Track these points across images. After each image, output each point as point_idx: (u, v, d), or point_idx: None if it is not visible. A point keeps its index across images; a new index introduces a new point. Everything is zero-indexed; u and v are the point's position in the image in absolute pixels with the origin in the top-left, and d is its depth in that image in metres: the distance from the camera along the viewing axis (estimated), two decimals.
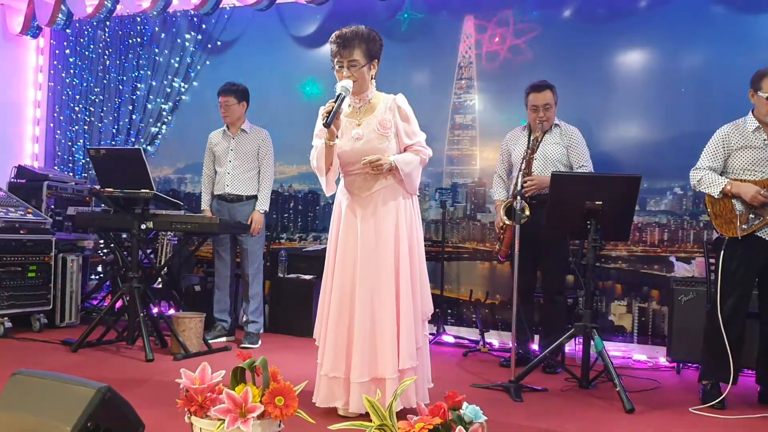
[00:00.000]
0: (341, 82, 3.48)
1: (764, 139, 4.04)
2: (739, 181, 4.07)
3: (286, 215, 6.89)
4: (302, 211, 6.85)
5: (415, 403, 3.39)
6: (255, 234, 5.43)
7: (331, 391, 3.51)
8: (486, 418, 2.15)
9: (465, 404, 2.16)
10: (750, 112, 4.13)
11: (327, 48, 6.55)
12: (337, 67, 3.56)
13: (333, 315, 3.53)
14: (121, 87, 7.55)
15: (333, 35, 3.59)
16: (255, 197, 5.57)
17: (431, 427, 2.03)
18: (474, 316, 5.97)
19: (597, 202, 4.13)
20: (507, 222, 4.85)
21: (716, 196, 4.09)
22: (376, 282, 3.47)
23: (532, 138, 4.92)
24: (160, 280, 6.09)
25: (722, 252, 4.10)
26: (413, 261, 3.56)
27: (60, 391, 2.34)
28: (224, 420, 2.22)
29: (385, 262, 3.48)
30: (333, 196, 3.75)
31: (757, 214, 4.00)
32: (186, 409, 2.34)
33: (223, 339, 5.57)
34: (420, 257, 3.63)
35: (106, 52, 7.63)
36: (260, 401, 2.25)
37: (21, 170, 6.69)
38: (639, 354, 5.57)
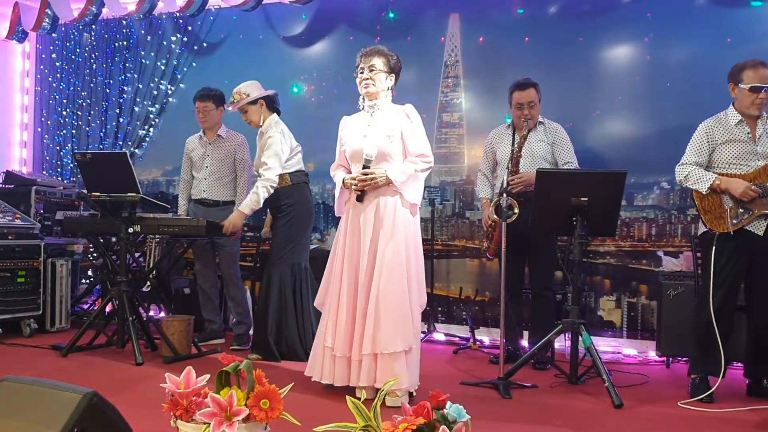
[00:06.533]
0: (366, 149, 3.87)
1: (748, 132, 4.06)
2: (725, 175, 4.08)
3: None
4: None
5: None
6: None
7: (342, 371, 3.85)
8: (469, 417, 2.15)
9: (449, 403, 2.17)
10: (731, 105, 4.15)
11: (314, 48, 6.75)
12: (358, 73, 4.02)
13: (341, 303, 3.90)
14: (108, 90, 7.53)
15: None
16: (232, 203, 5.56)
17: (415, 427, 2.03)
18: (464, 313, 5.99)
19: (583, 199, 4.14)
20: (496, 219, 4.86)
21: (704, 192, 4.10)
22: (372, 274, 3.82)
23: (518, 136, 4.94)
24: (149, 283, 6.08)
25: (713, 248, 4.10)
26: (408, 258, 3.86)
27: (46, 396, 2.33)
28: (209, 424, 2.22)
29: (379, 256, 3.81)
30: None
31: (747, 209, 4.02)
32: (172, 414, 2.35)
33: (214, 341, 5.57)
34: (409, 257, 3.89)
35: (93, 55, 7.62)
36: (245, 404, 2.26)
37: (9, 175, 6.67)
38: (628, 349, 5.60)
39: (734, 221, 4.03)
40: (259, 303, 5.09)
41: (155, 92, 7.30)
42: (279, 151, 4.90)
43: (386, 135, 3.92)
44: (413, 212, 3.96)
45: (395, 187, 3.86)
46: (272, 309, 4.91)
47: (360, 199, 3.91)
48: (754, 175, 4.03)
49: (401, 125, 3.94)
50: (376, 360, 3.74)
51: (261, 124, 5.08)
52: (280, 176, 4.96)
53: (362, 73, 3.98)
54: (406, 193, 3.88)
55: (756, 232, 4.04)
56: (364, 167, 3.89)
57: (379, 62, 3.96)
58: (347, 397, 2.25)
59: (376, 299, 3.76)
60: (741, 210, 4.03)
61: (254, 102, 5.06)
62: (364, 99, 4.06)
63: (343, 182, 4.01)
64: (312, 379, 3.98)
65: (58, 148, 7.75)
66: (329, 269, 4.06)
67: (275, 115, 5.12)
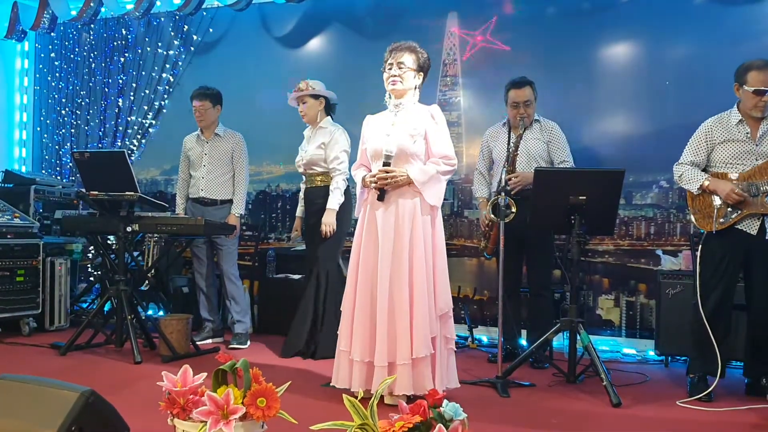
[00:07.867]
0: (386, 146, 3.76)
1: (747, 132, 4.06)
2: (722, 174, 4.09)
3: (274, 215, 6.88)
4: (290, 211, 6.80)
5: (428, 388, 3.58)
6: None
7: (361, 374, 3.72)
8: (466, 415, 2.15)
9: (445, 402, 2.17)
10: (735, 105, 4.14)
11: (311, 47, 6.75)
12: (386, 68, 3.88)
13: (358, 306, 3.78)
14: (106, 89, 7.52)
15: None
16: (230, 201, 5.57)
17: (411, 425, 2.03)
18: (462, 312, 5.98)
19: (581, 197, 4.14)
20: (493, 219, 4.86)
21: (695, 193, 4.11)
22: (393, 277, 3.69)
23: (514, 134, 4.94)
24: (147, 282, 6.08)
25: (700, 247, 4.13)
26: (427, 261, 3.74)
27: (43, 395, 2.33)
28: (206, 422, 2.22)
29: (399, 259, 3.70)
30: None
31: (735, 208, 4.02)
32: (169, 412, 2.35)
33: (211, 340, 5.57)
34: (428, 260, 3.76)
35: (92, 54, 7.60)
36: (242, 403, 2.26)
37: (8, 174, 6.67)
38: (627, 348, 5.60)
39: (721, 220, 4.04)
40: (315, 303, 5.06)
41: (153, 91, 7.30)
42: (347, 148, 5.08)
43: (410, 134, 3.79)
44: (434, 215, 3.82)
45: (416, 188, 3.73)
46: (331, 306, 4.91)
47: (381, 198, 3.77)
48: (748, 174, 4.03)
49: (426, 125, 3.82)
50: (393, 368, 3.66)
51: (317, 120, 5.20)
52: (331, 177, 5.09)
53: (390, 68, 3.84)
54: (426, 194, 3.73)
55: (749, 231, 4.04)
56: (385, 164, 3.76)
57: (408, 59, 3.83)
58: (344, 395, 2.25)
59: (396, 307, 3.66)
60: (730, 209, 4.03)
61: (317, 97, 5.16)
62: (390, 96, 3.91)
63: (363, 180, 3.90)
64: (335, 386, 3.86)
65: (57, 147, 7.75)
66: (348, 281, 3.95)
67: (329, 117, 5.24)
